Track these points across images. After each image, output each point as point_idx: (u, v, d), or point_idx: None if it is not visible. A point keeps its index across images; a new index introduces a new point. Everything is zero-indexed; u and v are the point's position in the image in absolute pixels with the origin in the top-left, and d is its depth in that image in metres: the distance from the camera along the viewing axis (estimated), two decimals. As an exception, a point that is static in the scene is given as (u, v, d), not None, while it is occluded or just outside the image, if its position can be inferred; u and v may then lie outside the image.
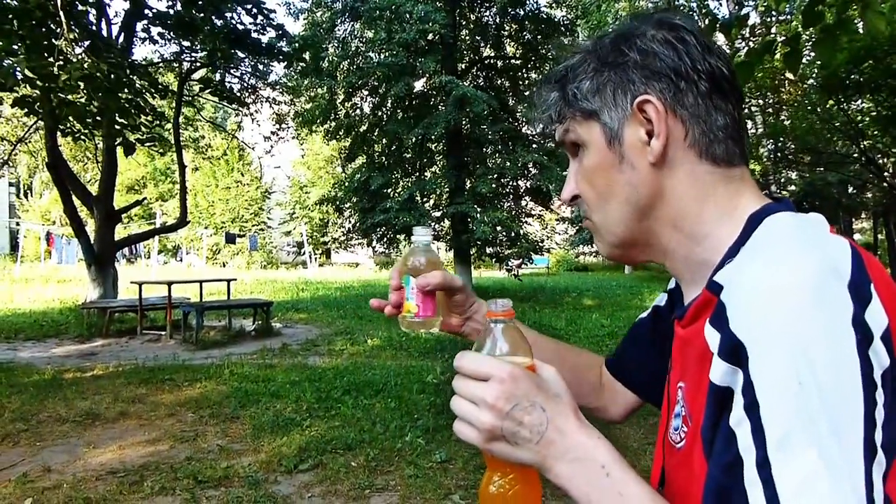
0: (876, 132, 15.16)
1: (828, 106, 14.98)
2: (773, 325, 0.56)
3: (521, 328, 0.81)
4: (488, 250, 17.63)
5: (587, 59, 0.76)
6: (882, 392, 0.55)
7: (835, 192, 19.77)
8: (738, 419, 0.56)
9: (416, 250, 0.88)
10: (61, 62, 6.90)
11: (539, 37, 17.84)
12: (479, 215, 15.65)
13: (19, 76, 6.85)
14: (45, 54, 6.96)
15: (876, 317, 0.57)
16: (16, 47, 6.81)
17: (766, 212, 0.69)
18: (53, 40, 7.35)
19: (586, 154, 0.76)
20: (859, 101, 15.65)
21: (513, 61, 19.02)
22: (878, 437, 0.54)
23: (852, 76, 12.39)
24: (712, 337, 0.61)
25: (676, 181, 0.72)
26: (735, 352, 0.57)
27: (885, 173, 17.52)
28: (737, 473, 0.55)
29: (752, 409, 0.55)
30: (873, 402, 0.54)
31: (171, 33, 11.71)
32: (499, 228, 16.57)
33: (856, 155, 16.47)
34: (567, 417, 0.65)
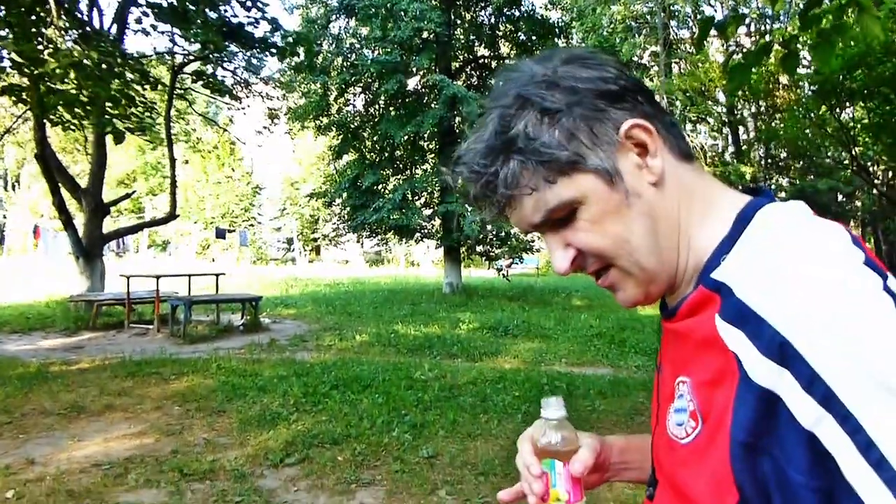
0: (867, 139, 15.31)
1: (820, 112, 15.09)
2: (820, 315, 0.53)
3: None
4: (478, 249, 17.60)
5: (519, 112, 0.68)
6: None
7: (825, 199, 19.93)
8: (816, 417, 0.52)
9: (550, 428, 0.79)
10: (51, 50, 6.82)
11: (534, 37, 17.86)
12: (468, 214, 15.60)
13: (7, 63, 6.77)
14: (34, 41, 6.88)
15: (893, 285, 0.57)
16: (3, 33, 6.72)
17: (755, 206, 0.67)
18: (42, 28, 7.27)
19: (585, 209, 0.68)
20: (851, 109, 15.78)
21: (507, 61, 19.03)
22: None
23: (845, 83, 12.50)
24: (728, 332, 0.59)
25: (673, 190, 0.70)
26: (780, 350, 0.54)
27: (876, 180, 17.67)
28: (832, 470, 0.52)
29: (828, 401, 0.52)
30: None
31: (164, 23, 11.62)
32: (489, 227, 16.56)
33: (847, 161, 16.61)
34: None
